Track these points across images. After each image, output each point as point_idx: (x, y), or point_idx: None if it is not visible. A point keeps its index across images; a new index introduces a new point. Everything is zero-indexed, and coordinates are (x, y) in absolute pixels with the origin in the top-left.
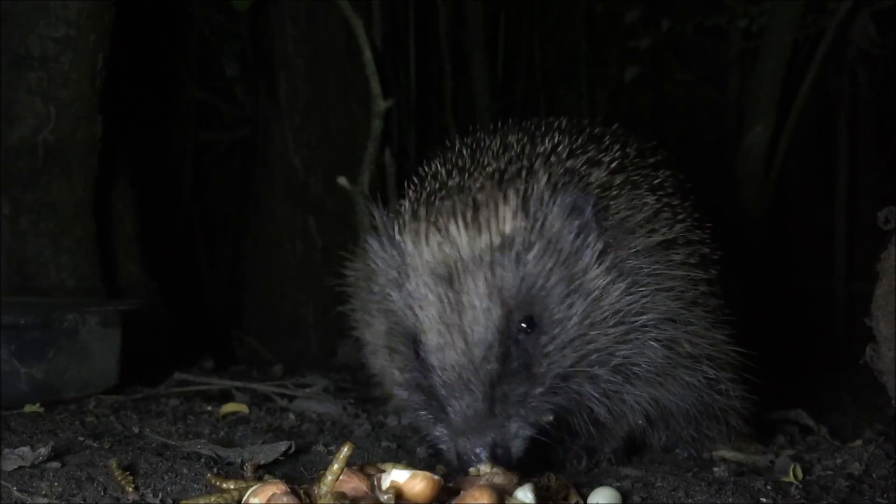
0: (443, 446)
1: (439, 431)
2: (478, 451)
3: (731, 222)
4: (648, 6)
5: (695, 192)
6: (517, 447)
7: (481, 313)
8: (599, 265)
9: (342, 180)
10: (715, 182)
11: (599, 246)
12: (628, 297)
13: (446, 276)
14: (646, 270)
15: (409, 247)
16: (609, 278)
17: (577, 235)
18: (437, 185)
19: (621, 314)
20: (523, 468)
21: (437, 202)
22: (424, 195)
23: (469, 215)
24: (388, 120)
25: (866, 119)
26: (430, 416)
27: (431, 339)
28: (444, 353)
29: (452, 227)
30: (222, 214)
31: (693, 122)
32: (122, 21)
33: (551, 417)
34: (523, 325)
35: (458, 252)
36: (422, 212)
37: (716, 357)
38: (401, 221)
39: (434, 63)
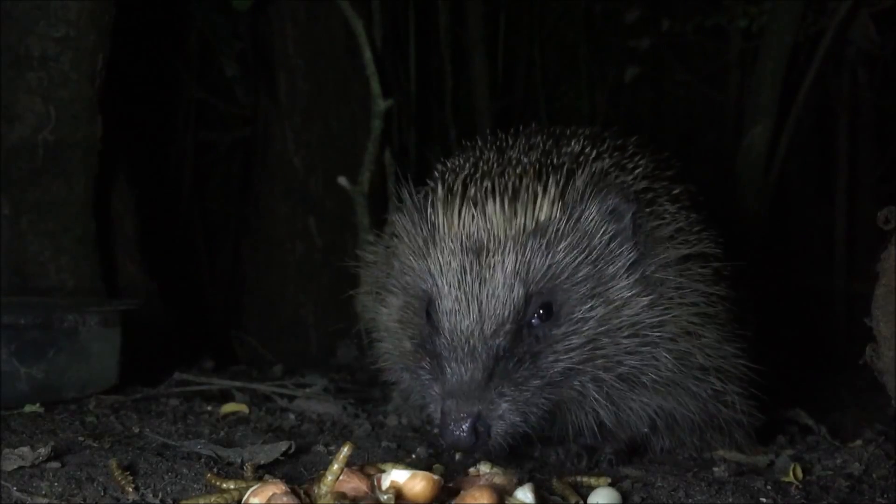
0: (432, 406)
1: (434, 392)
2: (462, 419)
3: (732, 225)
4: (648, 6)
5: (706, 205)
6: (499, 429)
7: (502, 288)
8: (628, 276)
9: (342, 180)
10: (715, 182)
11: (633, 256)
12: (650, 311)
13: (475, 248)
14: (671, 283)
15: (440, 218)
16: (635, 290)
17: (612, 239)
18: (470, 172)
19: (638, 326)
20: (506, 458)
21: (471, 184)
22: (458, 179)
23: (507, 197)
24: (388, 120)
25: (866, 119)
26: (429, 377)
27: (447, 303)
28: (456, 318)
29: (489, 206)
30: (222, 214)
31: (693, 122)
32: (122, 21)
33: (544, 411)
34: (541, 310)
35: (491, 228)
36: (457, 189)
37: (725, 370)
38: (433, 198)
39: (434, 63)
